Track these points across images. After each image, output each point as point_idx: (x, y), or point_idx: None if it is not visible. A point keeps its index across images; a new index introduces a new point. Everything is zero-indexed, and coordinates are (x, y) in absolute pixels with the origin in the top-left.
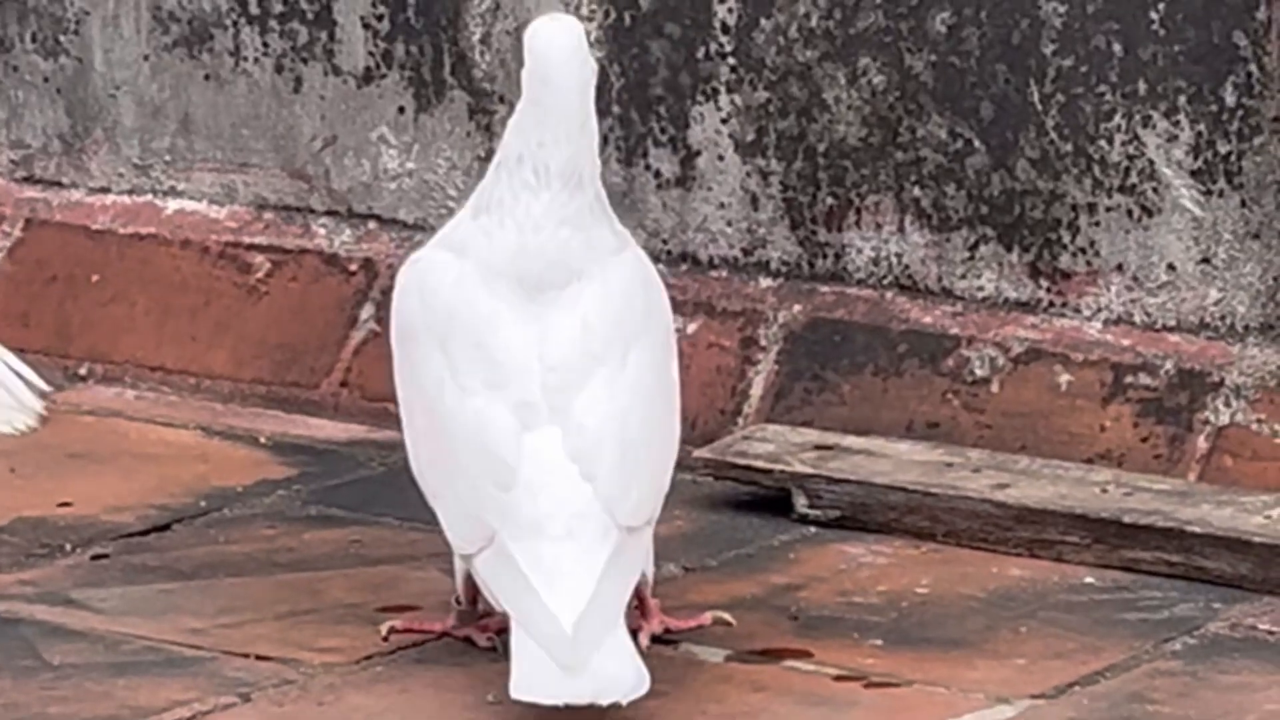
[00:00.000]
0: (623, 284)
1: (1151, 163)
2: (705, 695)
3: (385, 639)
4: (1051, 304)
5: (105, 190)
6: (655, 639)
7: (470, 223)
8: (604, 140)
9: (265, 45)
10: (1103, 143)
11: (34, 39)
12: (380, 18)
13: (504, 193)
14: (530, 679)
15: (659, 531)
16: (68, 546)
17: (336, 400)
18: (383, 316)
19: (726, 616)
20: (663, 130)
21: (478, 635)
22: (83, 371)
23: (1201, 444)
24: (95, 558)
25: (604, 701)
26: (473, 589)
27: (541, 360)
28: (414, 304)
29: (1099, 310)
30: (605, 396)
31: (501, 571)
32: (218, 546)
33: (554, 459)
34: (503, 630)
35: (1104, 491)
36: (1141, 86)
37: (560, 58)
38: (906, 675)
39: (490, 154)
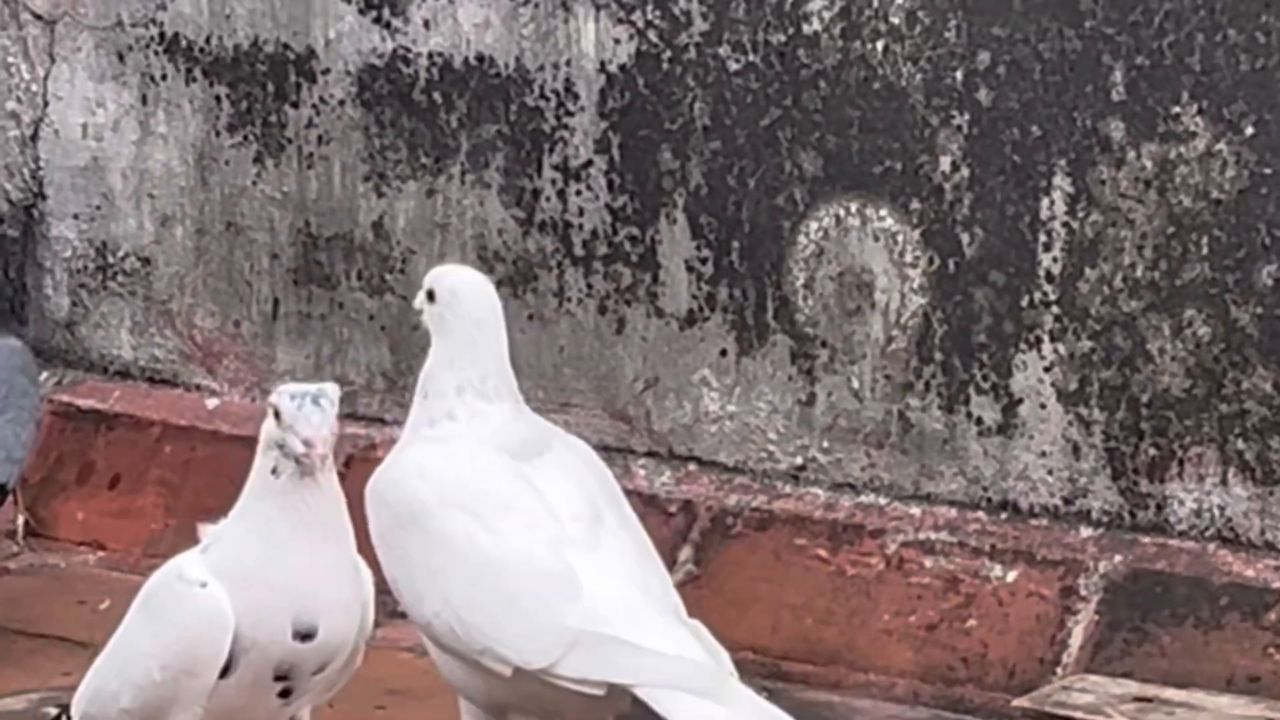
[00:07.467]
0: (583, 451)
1: None
2: None
3: None
4: None
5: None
6: None
7: (431, 430)
8: (925, 386)
9: (589, 286)
10: None
11: (359, 276)
12: (704, 261)
13: (459, 409)
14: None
15: None
16: None
17: None
18: (701, 559)
19: None
20: (985, 377)
21: None
22: (401, 608)
23: None
24: None
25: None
26: None
27: (559, 509)
28: (420, 487)
29: None
30: (620, 534)
31: (607, 656)
32: None
33: (603, 574)
34: None
35: None
36: None
37: (489, 300)
38: None
39: (813, 398)
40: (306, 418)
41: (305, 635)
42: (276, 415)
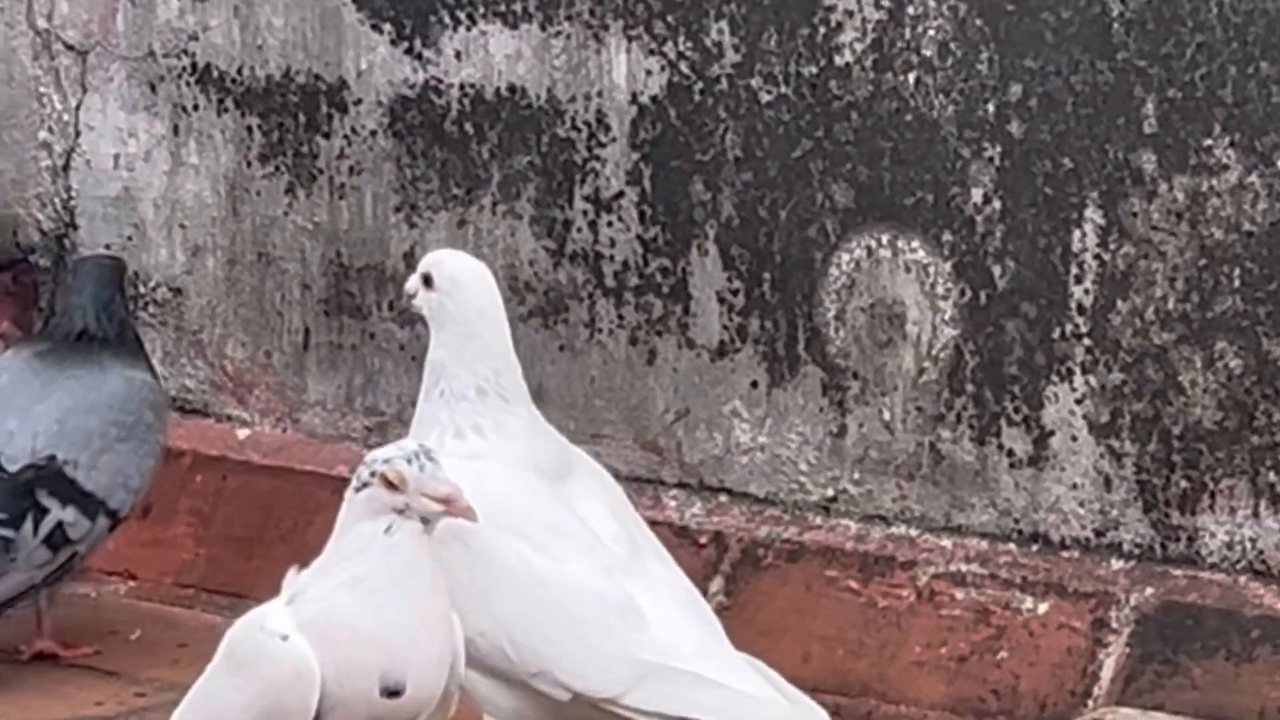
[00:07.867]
0: (596, 470)
1: None
2: None
3: None
4: None
5: None
6: None
7: (460, 442)
8: (957, 418)
9: (620, 317)
10: None
11: (390, 307)
12: (735, 292)
13: (485, 423)
14: None
15: None
16: None
17: None
18: (732, 590)
19: None
20: (1016, 409)
21: None
22: None
23: None
24: None
25: None
26: None
27: (601, 534)
28: None
29: None
30: (657, 558)
31: (683, 691)
32: None
33: (660, 603)
34: None
35: None
36: None
37: (490, 288)
38: None
39: (844, 430)
40: (434, 476)
41: (393, 692)
42: (391, 485)
